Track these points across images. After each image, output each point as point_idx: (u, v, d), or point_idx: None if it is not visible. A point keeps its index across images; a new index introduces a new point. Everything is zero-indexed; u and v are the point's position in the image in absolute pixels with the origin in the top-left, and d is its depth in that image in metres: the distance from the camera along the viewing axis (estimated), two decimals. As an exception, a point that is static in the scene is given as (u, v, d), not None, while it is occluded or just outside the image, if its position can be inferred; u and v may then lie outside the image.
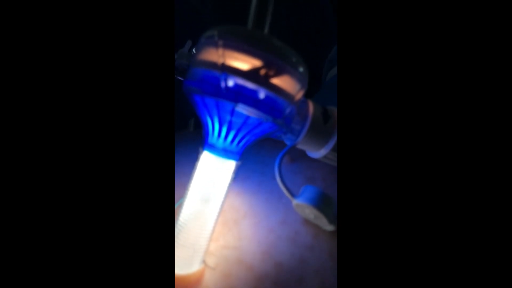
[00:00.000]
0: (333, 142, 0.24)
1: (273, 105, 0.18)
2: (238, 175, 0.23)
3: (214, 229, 0.22)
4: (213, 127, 0.20)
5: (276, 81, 0.18)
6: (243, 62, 0.17)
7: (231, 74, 0.17)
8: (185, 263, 0.21)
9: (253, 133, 0.20)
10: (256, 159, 0.30)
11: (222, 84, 0.18)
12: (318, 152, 0.25)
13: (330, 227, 0.22)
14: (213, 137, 0.21)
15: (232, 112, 0.19)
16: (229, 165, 0.21)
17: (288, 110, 0.19)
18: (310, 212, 0.22)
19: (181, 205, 0.21)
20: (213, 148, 0.21)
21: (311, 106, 0.24)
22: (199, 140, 0.22)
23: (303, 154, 0.28)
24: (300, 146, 0.25)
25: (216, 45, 0.18)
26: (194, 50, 0.31)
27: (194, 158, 0.22)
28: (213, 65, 0.18)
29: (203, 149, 0.21)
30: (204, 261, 0.22)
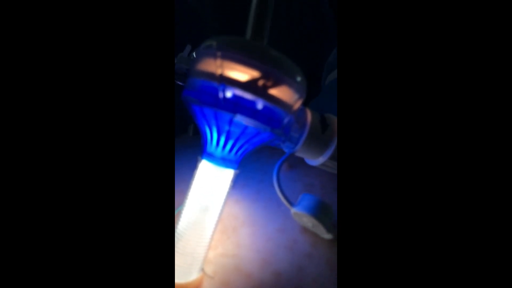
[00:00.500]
0: (331, 150, 0.24)
1: (271, 115, 0.19)
2: (236, 182, 0.23)
3: (213, 237, 0.22)
4: (212, 136, 0.20)
5: (274, 91, 0.18)
6: (241, 73, 0.17)
7: (229, 85, 0.17)
8: (183, 272, 0.21)
9: (251, 142, 0.21)
10: (254, 166, 0.30)
11: (220, 95, 0.18)
12: (317, 160, 0.25)
13: (328, 236, 0.22)
14: (211, 146, 0.21)
15: (230, 122, 0.19)
16: (228, 174, 0.21)
17: (286, 120, 0.19)
18: (308, 221, 0.22)
19: (179, 213, 0.21)
20: (211, 157, 0.21)
21: (309, 115, 0.24)
22: (198, 146, 0.22)
23: (301, 161, 0.28)
24: (299, 154, 0.25)
25: (214, 56, 0.18)
26: (194, 54, 0.32)
27: (193, 165, 0.22)
28: (211, 75, 0.18)
29: (202, 158, 0.21)
30: (202, 269, 0.22)
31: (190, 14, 0.42)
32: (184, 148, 0.36)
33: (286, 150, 0.25)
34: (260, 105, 0.18)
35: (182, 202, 0.22)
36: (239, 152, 0.21)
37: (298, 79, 0.19)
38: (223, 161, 0.21)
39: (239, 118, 0.18)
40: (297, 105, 0.20)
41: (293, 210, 0.23)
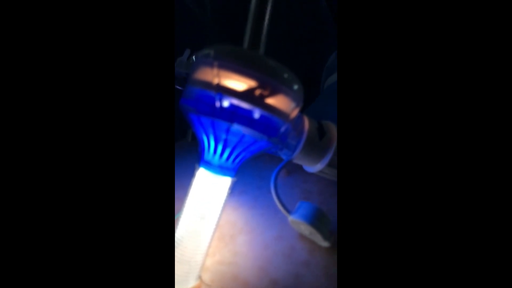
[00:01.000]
0: (328, 157, 0.24)
1: (268, 124, 0.19)
2: (234, 189, 0.23)
3: (210, 245, 0.22)
4: (209, 144, 0.20)
5: (271, 100, 0.18)
6: (238, 83, 0.18)
7: (226, 94, 0.18)
8: (181, 279, 0.21)
9: (248, 150, 0.21)
10: (252, 172, 0.30)
11: (217, 104, 0.18)
12: (314, 167, 0.25)
13: (325, 244, 0.22)
14: (209, 154, 0.21)
15: (228, 131, 0.19)
16: (225, 182, 0.21)
17: (283, 129, 0.20)
18: (305, 228, 0.22)
19: (177, 221, 0.21)
20: (209, 165, 0.21)
21: (306, 122, 0.24)
22: (196, 151, 0.22)
23: (299, 167, 0.28)
24: (296, 160, 0.25)
25: (211, 65, 0.18)
26: (194, 58, 0.32)
27: (191, 171, 0.22)
28: (208, 85, 0.18)
29: (199, 165, 0.21)
30: (200, 277, 0.22)
31: (190, 17, 0.42)
32: (182, 153, 0.36)
33: (283, 157, 0.26)
34: (257, 114, 0.18)
35: (179, 209, 0.22)
36: (237, 160, 0.21)
37: (295, 87, 0.19)
38: (221, 169, 0.21)
39: (236, 127, 0.18)
40: (294, 113, 0.20)
41: (291, 218, 0.23)
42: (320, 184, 0.28)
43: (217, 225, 0.22)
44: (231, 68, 0.18)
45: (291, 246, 0.23)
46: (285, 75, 0.19)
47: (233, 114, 0.18)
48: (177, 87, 0.29)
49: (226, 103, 0.18)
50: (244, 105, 0.18)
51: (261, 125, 0.18)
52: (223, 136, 0.19)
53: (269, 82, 0.18)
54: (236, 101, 0.18)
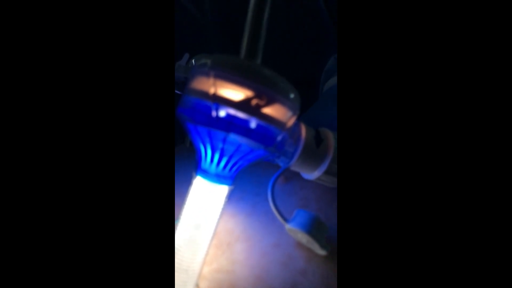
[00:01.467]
0: (326, 165, 0.24)
1: (264, 134, 0.19)
2: (232, 195, 0.23)
3: (207, 253, 0.22)
4: (206, 153, 0.20)
5: (267, 110, 0.18)
6: (234, 92, 0.18)
7: (223, 104, 0.18)
8: (177, 288, 0.21)
9: (245, 159, 0.21)
10: (250, 179, 0.30)
11: (214, 114, 0.18)
12: (312, 174, 0.25)
13: (322, 252, 0.22)
14: (205, 163, 0.21)
15: (224, 140, 0.19)
16: (222, 190, 0.21)
17: (280, 138, 0.20)
18: (302, 237, 0.22)
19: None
20: (206, 174, 0.21)
21: (303, 129, 0.24)
22: (194, 157, 0.22)
23: (297, 174, 0.28)
24: (294, 168, 0.25)
25: (207, 75, 0.18)
26: (193, 61, 0.32)
27: (189, 177, 0.22)
28: (205, 94, 0.18)
29: (196, 174, 0.21)
30: (197, 286, 0.22)
31: (190, 20, 0.43)
32: (180, 159, 0.36)
33: (281, 164, 0.26)
34: (253, 124, 0.18)
35: (177, 217, 0.22)
36: (233, 169, 0.21)
37: (291, 96, 0.19)
38: (218, 178, 0.21)
39: (233, 137, 0.18)
40: (291, 122, 0.20)
41: (288, 226, 0.23)
42: (317, 191, 0.28)
43: (215, 233, 0.22)
44: (228, 78, 0.18)
45: (288, 254, 0.23)
46: (282, 85, 0.19)
47: (230, 123, 0.18)
48: (176, 91, 0.29)
49: (222, 113, 0.18)
50: (241, 115, 0.18)
51: (257, 135, 0.18)
52: (220, 145, 0.19)
53: (266, 92, 0.18)
54: (232, 111, 0.18)
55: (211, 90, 0.18)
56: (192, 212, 0.21)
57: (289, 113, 0.20)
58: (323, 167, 0.24)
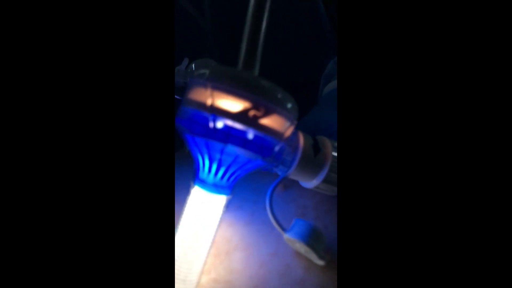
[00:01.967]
0: (324, 173, 0.24)
1: (262, 144, 0.19)
2: (230, 204, 0.23)
3: (205, 263, 0.22)
4: (204, 163, 0.20)
5: (264, 121, 0.18)
6: (231, 104, 0.18)
7: (220, 115, 0.18)
8: (175, 299, 0.21)
9: (243, 169, 0.21)
10: (249, 187, 0.30)
11: (211, 125, 0.18)
12: (310, 183, 0.25)
13: (320, 262, 0.22)
14: (203, 173, 0.21)
15: (222, 151, 0.19)
16: (220, 200, 0.21)
17: (277, 148, 0.20)
18: (300, 247, 0.22)
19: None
20: (204, 184, 0.21)
21: (301, 138, 0.24)
22: (193, 164, 0.22)
23: (296, 182, 0.28)
24: (292, 176, 0.25)
25: (205, 86, 0.18)
26: (193, 66, 0.32)
27: (187, 186, 0.22)
28: (202, 105, 0.18)
29: (194, 184, 0.21)
30: (194, 296, 0.22)
31: (190, 23, 0.43)
32: (179, 166, 0.36)
33: (279, 173, 0.25)
34: (251, 135, 0.18)
35: (175, 226, 0.22)
36: (231, 179, 0.21)
37: (289, 106, 0.19)
38: (215, 188, 0.21)
39: (231, 148, 0.18)
40: (289, 132, 0.20)
41: (286, 236, 0.23)
42: (315, 199, 0.28)
43: (212, 243, 0.22)
44: (225, 89, 0.18)
45: (286, 264, 0.23)
46: (279, 95, 0.19)
47: (227, 135, 0.18)
48: (176, 96, 0.29)
49: (220, 124, 0.18)
50: (238, 126, 0.18)
51: (255, 145, 0.18)
52: (218, 156, 0.19)
53: (263, 103, 0.18)
54: (230, 122, 0.18)
55: (209, 101, 0.18)
56: (190, 222, 0.21)
57: (287, 123, 0.20)
58: (322, 175, 0.24)
